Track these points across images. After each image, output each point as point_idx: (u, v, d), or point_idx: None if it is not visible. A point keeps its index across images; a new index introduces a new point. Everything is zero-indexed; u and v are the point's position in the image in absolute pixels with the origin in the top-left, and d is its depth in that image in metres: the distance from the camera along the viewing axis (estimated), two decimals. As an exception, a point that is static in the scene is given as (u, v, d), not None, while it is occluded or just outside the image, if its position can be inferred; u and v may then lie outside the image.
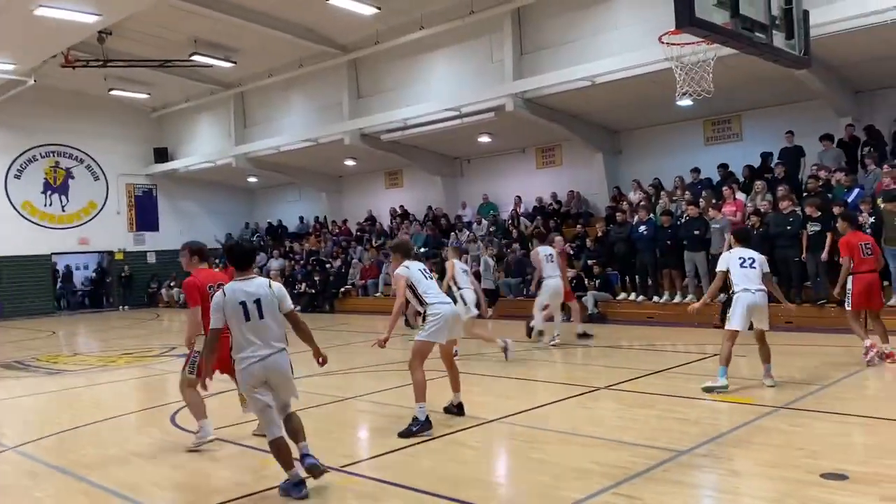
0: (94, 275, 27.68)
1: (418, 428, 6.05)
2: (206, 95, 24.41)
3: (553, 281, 10.85)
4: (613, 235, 14.98)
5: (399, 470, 5.31)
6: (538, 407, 7.19)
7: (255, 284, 4.92)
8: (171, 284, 24.53)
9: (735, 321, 7.34)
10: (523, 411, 6.93)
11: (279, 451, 4.76)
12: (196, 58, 19.74)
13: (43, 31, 15.97)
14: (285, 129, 22.47)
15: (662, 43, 8.30)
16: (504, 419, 6.62)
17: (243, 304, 4.79)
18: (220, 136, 25.05)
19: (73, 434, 7.13)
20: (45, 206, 24.37)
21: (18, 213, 23.75)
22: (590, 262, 15.03)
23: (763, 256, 7.68)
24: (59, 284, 26.77)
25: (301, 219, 26.13)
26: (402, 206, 22.35)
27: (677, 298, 13.78)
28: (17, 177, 23.86)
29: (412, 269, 6.49)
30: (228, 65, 20.59)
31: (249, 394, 4.82)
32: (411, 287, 6.42)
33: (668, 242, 13.75)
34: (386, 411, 7.39)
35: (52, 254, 24.71)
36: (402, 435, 6.01)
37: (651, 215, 14.63)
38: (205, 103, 24.85)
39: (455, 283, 9.63)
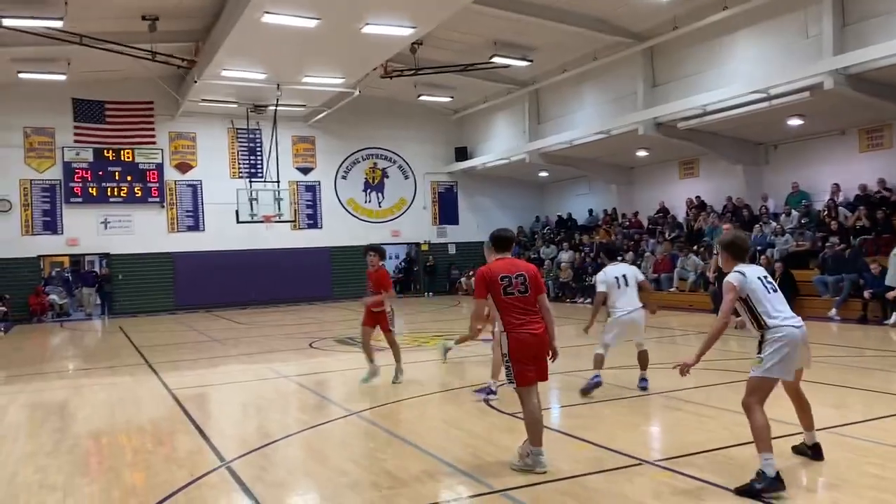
0: (403, 264, 30.59)
1: (762, 486, 4.60)
2: (503, 95, 25.60)
3: None
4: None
5: (716, 469, 5.12)
6: (876, 419, 6.44)
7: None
8: (470, 274, 26.20)
9: None
10: (859, 422, 6.26)
11: None
12: (496, 59, 20.77)
13: (368, 47, 18.03)
14: (577, 122, 22.70)
15: None
16: (838, 429, 6.03)
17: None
18: (514, 133, 26.12)
19: (399, 406, 8.01)
20: (366, 202, 27.55)
21: (345, 209, 27.15)
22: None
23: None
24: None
25: (590, 211, 26.23)
26: (698, 197, 21.32)
27: None
28: (344, 177, 27.25)
29: (749, 277, 4.99)
30: (525, 63, 21.34)
31: None
32: (746, 301, 4.96)
33: None
34: (691, 409, 7.17)
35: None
36: (740, 492, 4.66)
37: None
38: (501, 102, 26.09)
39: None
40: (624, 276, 8.08)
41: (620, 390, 8.10)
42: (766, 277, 5.05)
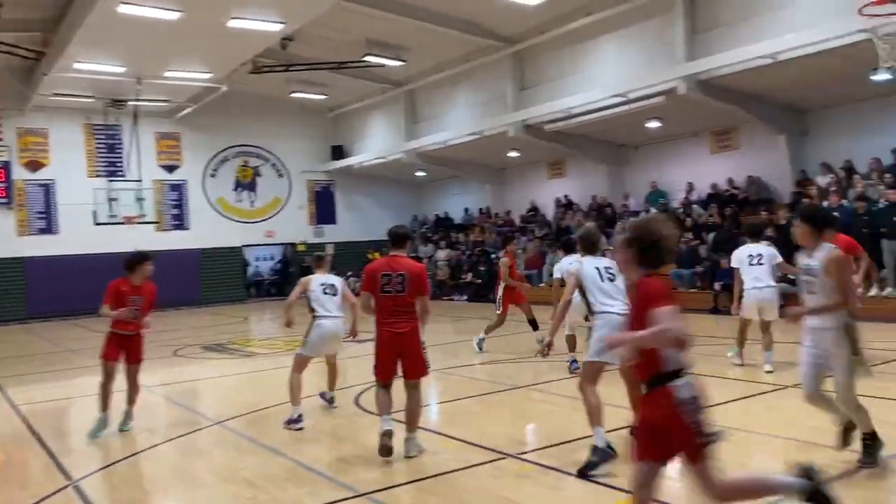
0: (278, 265, 29.83)
1: (596, 458, 5.04)
2: (378, 94, 25.50)
3: None
4: (798, 223, 13.92)
5: (576, 460, 5.30)
6: (718, 404, 6.88)
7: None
8: (349, 275, 25.90)
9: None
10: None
11: None
12: (369, 58, 20.64)
13: (235, 42, 17.42)
14: (452, 123, 22.98)
15: (863, 15, 7.58)
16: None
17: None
18: (390, 132, 26.09)
19: (267, 413, 7.77)
20: (237, 202, 26.62)
21: (214, 209, 26.13)
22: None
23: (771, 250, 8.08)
24: (249, 273, 29.08)
25: (466, 210, 26.64)
26: (566, 196, 22.14)
27: (873, 291, 12.58)
28: (213, 175, 26.22)
29: (585, 266, 5.57)
30: (399, 63, 21.35)
31: None
32: (581, 288, 5.52)
33: (864, 230, 12.58)
34: (557, 400, 7.40)
35: (243, 246, 26.96)
36: (581, 474, 5.01)
37: (843, 201, 13.45)
38: (377, 101, 25.98)
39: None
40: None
41: (492, 385, 8.26)
42: (606, 268, 5.52)
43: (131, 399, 7.17)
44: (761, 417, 6.59)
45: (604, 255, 5.95)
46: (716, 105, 15.99)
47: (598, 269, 5.50)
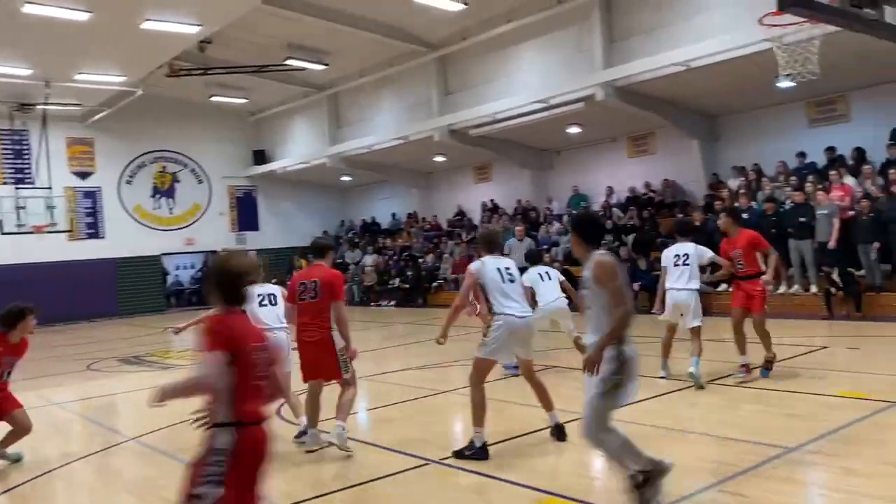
0: (199, 274, 29.02)
1: (469, 453, 5.39)
2: (301, 98, 25.17)
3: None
4: (712, 224, 14.48)
5: (498, 463, 5.35)
6: (641, 401, 7.07)
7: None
8: (274, 282, 25.42)
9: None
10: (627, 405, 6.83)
11: None
12: (290, 62, 20.37)
13: (150, 44, 16.88)
14: (377, 128, 22.89)
15: (763, 25, 7.95)
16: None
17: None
18: (314, 136, 25.78)
19: (186, 427, 7.53)
20: (155, 209, 25.77)
21: (131, 216, 25.22)
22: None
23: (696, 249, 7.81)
24: (168, 282, 28.22)
25: (393, 215, 26.58)
26: (492, 200, 22.37)
27: (782, 289, 13.20)
28: (129, 182, 25.31)
29: (487, 267, 5.61)
30: (321, 67, 21.14)
31: None
32: (482, 288, 5.62)
33: (773, 231, 13.18)
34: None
35: (162, 254, 26.11)
36: (456, 454, 5.49)
37: (753, 202, 14.07)
38: (299, 105, 25.63)
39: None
40: (547, 272, 9.04)
41: (416, 391, 8.25)
42: (507, 269, 5.63)
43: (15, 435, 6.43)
44: (682, 414, 6.80)
45: (506, 256, 6.02)
46: (632, 111, 16.47)
47: (499, 269, 5.59)
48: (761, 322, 7.58)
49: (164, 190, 26.04)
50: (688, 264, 7.70)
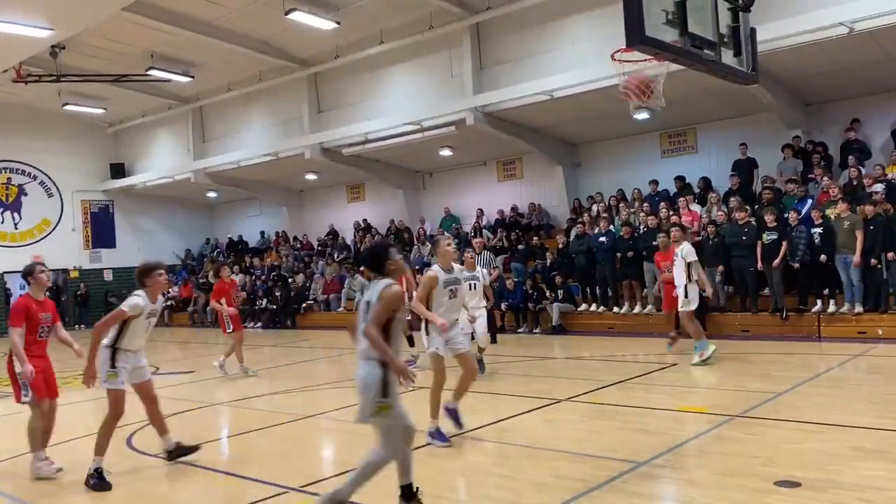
0: (48, 294, 26.95)
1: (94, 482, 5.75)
2: (164, 110, 24.09)
3: None
4: (574, 247, 15.12)
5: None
6: (502, 420, 7.20)
7: None
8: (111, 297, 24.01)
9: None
10: (487, 425, 6.94)
11: None
12: (153, 72, 19.48)
13: (-7, 46, 15.60)
14: (245, 143, 22.28)
15: (615, 61, 8.46)
16: (469, 433, 6.60)
17: None
18: (178, 151, 24.72)
19: (24, 460, 6.92)
20: (-2, 223, 23.78)
21: (-32, 231, 23.13)
22: (552, 273, 15.14)
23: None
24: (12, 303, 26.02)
25: (262, 234, 25.88)
26: (365, 220, 22.28)
27: (637, 309, 13.96)
28: (-33, 194, 23.25)
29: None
30: (186, 79, 20.36)
31: None
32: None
33: (629, 254, 13.93)
34: (347, 428, 7.32)
35: (4, 273, 24.06)
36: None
37: (611, 226, 14.82)
38: (162, 118, 24.52)
39: None
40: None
41: (276, 416, 8.00)
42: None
43: None
44: (539, 430, 6.98)
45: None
46: (501, 136, 17.00)
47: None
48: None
49: (10, 203, 24.11)
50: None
